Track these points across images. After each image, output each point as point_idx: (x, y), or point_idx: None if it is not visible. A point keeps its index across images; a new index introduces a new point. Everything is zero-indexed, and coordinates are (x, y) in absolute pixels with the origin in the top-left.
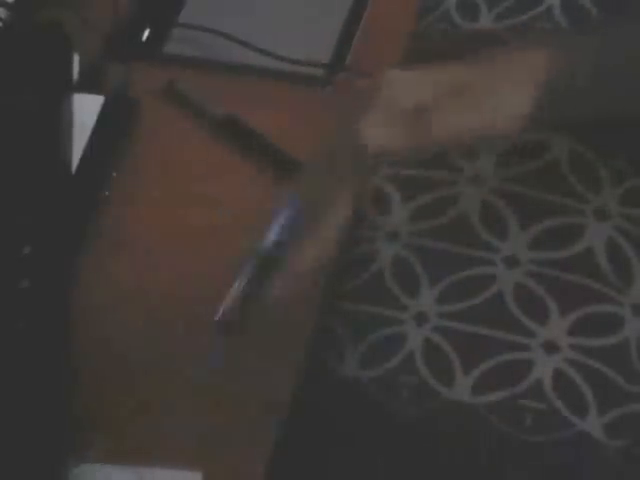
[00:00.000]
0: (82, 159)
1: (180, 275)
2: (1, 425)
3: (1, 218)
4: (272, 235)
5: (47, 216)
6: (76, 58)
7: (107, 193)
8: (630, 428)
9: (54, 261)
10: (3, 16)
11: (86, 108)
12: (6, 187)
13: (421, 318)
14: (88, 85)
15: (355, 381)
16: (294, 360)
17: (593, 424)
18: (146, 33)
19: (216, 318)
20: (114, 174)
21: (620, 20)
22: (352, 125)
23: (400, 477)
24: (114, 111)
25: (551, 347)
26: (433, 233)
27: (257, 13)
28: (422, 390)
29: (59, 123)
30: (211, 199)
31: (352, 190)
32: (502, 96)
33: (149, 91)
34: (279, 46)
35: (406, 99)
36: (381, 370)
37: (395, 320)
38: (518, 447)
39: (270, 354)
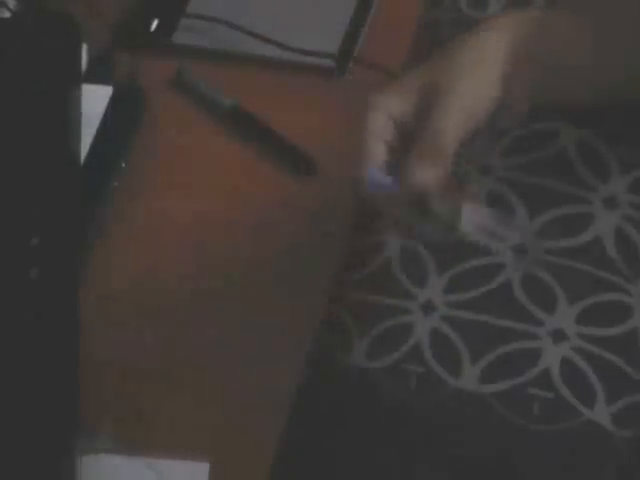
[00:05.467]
0: (91, 150)
1: (187, 266)
2: (11, 415)
3: (10, 209)
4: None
5: (56, 207)
6: (85, 49)
7: (116, 184)
8: (638, 417)
9: (63, 252)
10: (12, 6)
11: (95, 99)
12: (15, 178)
13: (429, 307)
14: (96, 76)
15: (362, 371)
16: (301, 351)
17: (601, 413)
18: (154, 23)
19: None
20: (123, 165)
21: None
22: None
23: (408, 466)
24: (122, 102)
25: (559, 336)
26: None
27: (265, 3)
28: (429, 379)
29: (68, 114)
30: (219, 189)
31: None
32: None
33: (157, 81)
34: (287, 36)
35: None
36: (388, 360)
37: (403, 310)
38: (525, 436)
39: (277, 345)
